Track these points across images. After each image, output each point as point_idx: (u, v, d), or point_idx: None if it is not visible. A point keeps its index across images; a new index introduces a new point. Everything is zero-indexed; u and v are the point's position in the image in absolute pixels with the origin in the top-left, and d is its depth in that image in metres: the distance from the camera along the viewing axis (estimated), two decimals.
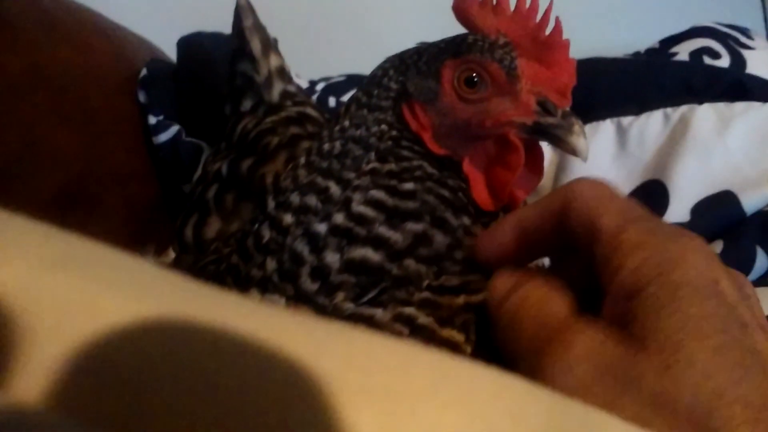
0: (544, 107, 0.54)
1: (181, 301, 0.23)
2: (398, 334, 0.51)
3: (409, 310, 0.52)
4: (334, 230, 0.54)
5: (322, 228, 0.55)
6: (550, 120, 0.54)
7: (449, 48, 0.57)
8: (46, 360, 0.21)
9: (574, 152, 0.54)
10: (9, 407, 0.20)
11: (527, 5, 0.56)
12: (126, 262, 0.25)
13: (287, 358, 0.21)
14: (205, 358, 0.20)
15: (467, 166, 0.57)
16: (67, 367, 0.21)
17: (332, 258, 0.54)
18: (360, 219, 0.54)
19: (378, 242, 0.53)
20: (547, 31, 0.55)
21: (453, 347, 0.51)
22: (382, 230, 0.53)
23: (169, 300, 0.22)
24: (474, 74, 0.55)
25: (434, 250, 0.54)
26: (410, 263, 0.53)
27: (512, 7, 0.57)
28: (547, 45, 0.55)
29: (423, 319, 0.52)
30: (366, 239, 0.54)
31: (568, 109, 0.54)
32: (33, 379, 0.20)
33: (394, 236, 0.53)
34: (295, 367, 0.21)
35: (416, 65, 0.59)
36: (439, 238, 0.54)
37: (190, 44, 1.17)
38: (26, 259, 0.23)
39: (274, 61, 0.87)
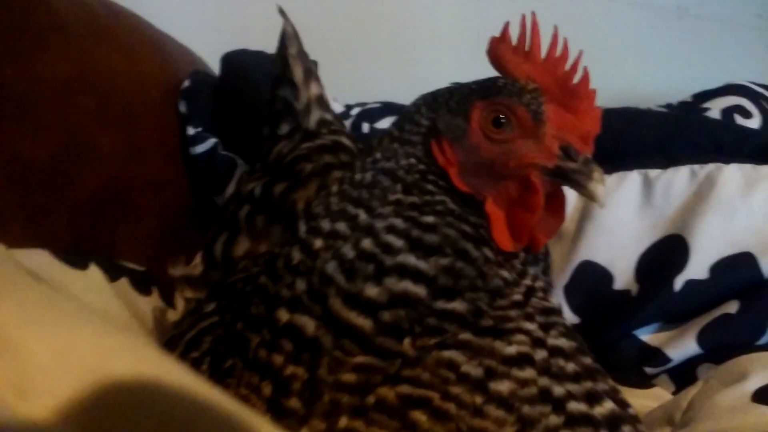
0: (567, 152, 0.56)
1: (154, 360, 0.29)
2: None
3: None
4: (362, 255, 0.57)
5: (350, 252, 0.57)
6: (571, 165, 0.56)
7: (480, 90, 0.60)
8: (43, 388, 0.25)
9: (592, 198, 0.56)
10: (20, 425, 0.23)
11: (558, 53, 0.59)
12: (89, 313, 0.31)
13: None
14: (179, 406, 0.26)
15: (490, 206, 0.59)
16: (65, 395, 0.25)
17: (373, 290, 0.56)
18: (386, 247, 0.56)
19: (416, 275, 0.55)
20: (575, 80, 0.58)
21: None
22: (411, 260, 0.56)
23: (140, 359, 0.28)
24: (501, 115, 0.58)
25: (468, 280, 0.56)
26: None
27: (543, 54, 0.60)
28: (574, 93, 0.58)
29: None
30: (394, 268, 0.56)
31: (589, 156, 0.57)
32: (38, 403, 0.24)
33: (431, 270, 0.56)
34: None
35: (447, 104, 0.62)
36: (468, 271, 0.56)
37: (233, 61, 1.21)
38: (14, 300, 0.28)
39: (314, 89, 0.89)
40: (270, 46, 0.97)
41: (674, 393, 0.87)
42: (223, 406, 0.28)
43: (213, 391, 0.29)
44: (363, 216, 0.59)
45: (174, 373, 0.29)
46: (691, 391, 0.78)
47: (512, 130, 0.58)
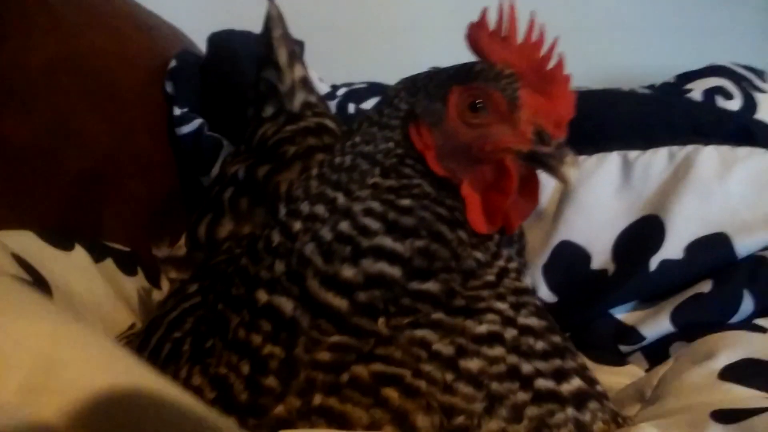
0: (540, 137, 0.57)
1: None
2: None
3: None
4: (340, 237, 0.58)
5: (327, 234, 0.59)
6: (544, 149, 0.57)
7: (458, 75, 0.61)
8: (4, 373, 0.29)
9: (563, 181, 0.58)
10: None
11: (534, 39, 0.60)
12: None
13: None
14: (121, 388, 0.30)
15: (465, 189, 0.60)
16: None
17: (349, 272, 0.57)
18: (363, 229, 0.58)
19: (391, 257, 0.57)
20: (550, 65, 0.59)
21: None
22: (388, 242, 0.57)
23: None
24: (478, 100, 0.59)
25: (442, 261, 0.58)
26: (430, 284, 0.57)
27: (520, 39, 0.61)
28: (549, 78, 0.59)
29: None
30: (370, 250, 0.57)
31: (562, 140, 0.58)
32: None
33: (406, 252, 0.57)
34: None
35: (426, 88, 0.63)
36: (443, 253, 0.58)
37: (220, 41, 1.21)
38: None
39: (298, 71, 0.90)
40: (258, 26, 0.97)
41: (647, 370, 0.88)
42: (163, 390, 0.31)
43: (156, 378, 0.32)
44: (341, 199, 0.60)
45: (122, 360, 0.32)
46: (662, 369, 0.80)
47: (488, 114, 0.59)
